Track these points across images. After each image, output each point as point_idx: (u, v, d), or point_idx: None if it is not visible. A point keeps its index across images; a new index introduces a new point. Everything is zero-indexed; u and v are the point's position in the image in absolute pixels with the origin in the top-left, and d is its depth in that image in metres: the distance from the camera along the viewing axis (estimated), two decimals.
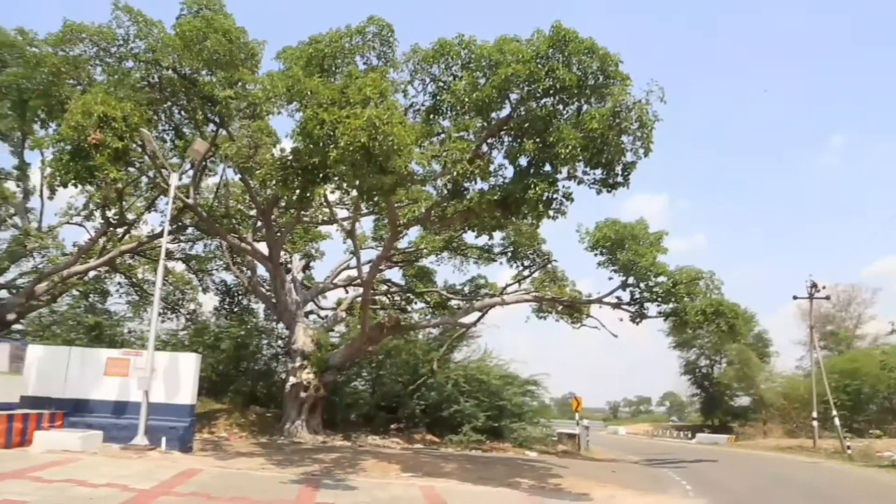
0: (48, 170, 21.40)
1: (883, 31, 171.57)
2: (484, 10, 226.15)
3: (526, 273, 29.00)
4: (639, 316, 25.94)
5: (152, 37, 19.13)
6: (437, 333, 31.18)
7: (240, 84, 18.86)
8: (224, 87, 18.62)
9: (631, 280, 25.40)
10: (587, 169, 16.34)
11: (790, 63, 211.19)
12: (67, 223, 27.02)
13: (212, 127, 21.05)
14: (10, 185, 25.21)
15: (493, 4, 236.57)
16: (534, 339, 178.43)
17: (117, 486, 10.30)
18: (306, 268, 31.77)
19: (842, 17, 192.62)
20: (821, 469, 25.95)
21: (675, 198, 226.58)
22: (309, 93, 15.05)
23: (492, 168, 16.78)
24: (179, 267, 31.87)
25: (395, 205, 19.97)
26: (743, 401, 58.35)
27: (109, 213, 24.38)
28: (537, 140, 15.89)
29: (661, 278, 24.94)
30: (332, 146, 13.36)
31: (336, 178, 15.83)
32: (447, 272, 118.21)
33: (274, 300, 27.11)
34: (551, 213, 16.53)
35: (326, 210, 27.39)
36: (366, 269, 24.87)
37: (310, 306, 30.36)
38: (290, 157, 15.76)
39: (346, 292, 31.58)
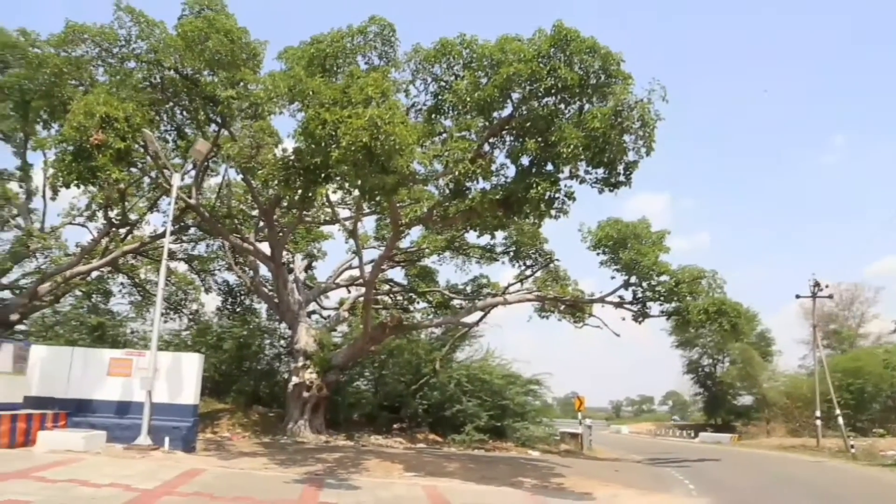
0: (51, 170, 21.50)
1: (884, 31, 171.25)
2: (485, 10, 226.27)
3: (528, 272, 28.98)
4: (641, 315, 25.92)
5: (154, 37, 19.16)
6: (439, 333, 31.20)
7: (242, 84, 18.87)
8: (226, 88, 18.64)
9: (633, 279, 25.37)
10: (589, 168, 16.32)
11: (792, 62, 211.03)
12: (70, 224, 27.09)
13: (214, 127, 21.07)
14: (13, 186, 25.28)
15: (494, 4, 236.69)
16: (536, 339, 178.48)
17: (121, 486, 10.31)
18: (308, 268, 31.78)
19: (843, 17, 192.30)
20: (824, 468, 25.91)
21: (677, 197, 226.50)
22: (311, 93, 15.04)
23: (494, 167, 16.78)
24: (182, 267, 31.93)
25: (397, 204, 19.98)
26: (746, 400, 58.25)
27: (112, 214, 24.44)
28: (539, 139, 15.88)
29: (664, 277, 24.91)
30: (333, 146, 13.36)
31: (338, 178, 15.83)
32: (449, 272, 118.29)
33: (276, 300, 27.13)
34: (553, 212, 16.53)
35: (328, 210, 27.41)
36: (368, 268, 24.87)
37: (312, 306, 30.38)
38: (292, 157, 15.76)
39: (349, 292, 31.60)
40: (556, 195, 16.11)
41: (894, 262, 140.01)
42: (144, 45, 19.32)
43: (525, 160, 16.61)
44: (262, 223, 25.51)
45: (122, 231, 26.10)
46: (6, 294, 26.66)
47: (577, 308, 27.33)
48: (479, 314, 28.25)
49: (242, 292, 32.59)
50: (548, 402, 35.87)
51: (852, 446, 31.56)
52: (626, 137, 15.45)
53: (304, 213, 25.05)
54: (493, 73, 15.68)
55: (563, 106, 16.12)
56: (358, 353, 25.74)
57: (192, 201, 21.32)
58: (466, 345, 31.24)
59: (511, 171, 17.04)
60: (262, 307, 32.89)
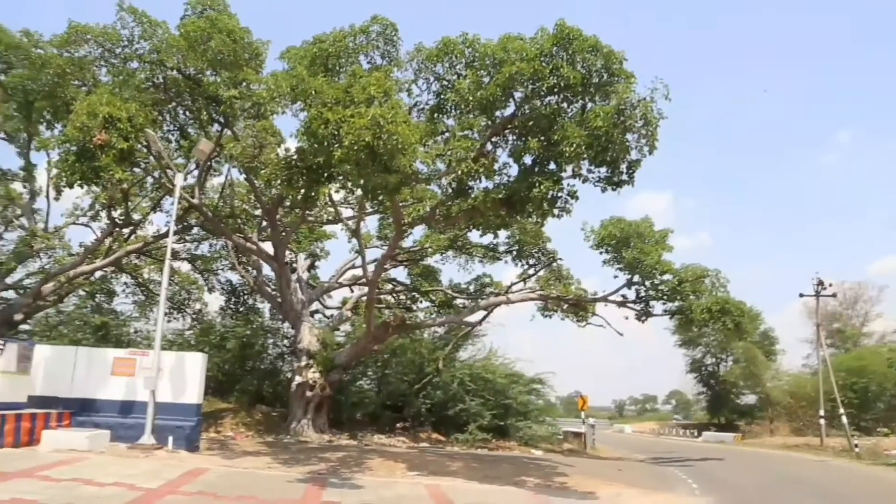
0: (54, 171, 21.53)
1: (883, 29, 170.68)
2: (488, 9, 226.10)
3: (531, 271, 28.96)
4: (644, 314, 25.90)
5: (157, 37, 19.18)
6: (442, 332, 31.20)
7: (244, 84, 18.89)
8: (228, 87, 18.65)
9: (636, 278, 25.35)
10: (592, 167, 16.32)
11: (793, 61, 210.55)
12: (73, 224, 27.13)
13: (216, 127, 21.09)
14: (17, 186, 25.35)
15: (497, 3, 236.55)
16: (539, 338, 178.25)
17: (125, 485, 10.34)
18: (311, 267, 31.78)
19: (844, 16, 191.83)
20: (828, 467, 25.86)
21: (679, 196, 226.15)
22: (313, 92, 15.05)
23: (496, 167, 16.78)
24: (185, 267, 31.97)
25: (400, 204, 19.97)
26: (749, 399, 58.17)
27: (115, 214, 24.48)
28: (542, 138, 15.87)
29: (667, 276, 24.89)
30: (336, 145, 13.37)
31: (341, 178, 15.85)
32: (452, 271, 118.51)
33: (279, 300, 27.15)
34: (556, 211, 16.54)
35: (331, 209, 27.41)
36: (371, 268, 24.89)
37: (315, 306, 30.41)
38: (295, 157, 15.78)
39: (352, 291, 31.61)
40: (559, 194, 16.10)
41: None
42: (147, 45, 19.34)
43: (528, 159, 16.60)
44: (265, 223, 25.54)
45: (126, 231, 26.15)
46: (10, 294, 26.73)
47: (580, 307, 27.31)
48: (481, 313, 28.24)
49: (245, 292, 32.61)
50: (551, 402, 35.92)
51: (856, 445, 31.49)
52: (628, 136, 15.44)
53: (307, 212, 25.07)
54: (496, 72, 15.67)
55: (565, 105, 16.11)
56: (361, 353, 25.75)
57: (195, 201, 21.35)
58: (469, 344, 31.24)
59: (514, 170, 17.06)
60: (265, 307, 32.91)
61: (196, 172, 22.36)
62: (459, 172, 15.81)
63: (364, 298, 26.99)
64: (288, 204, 23.17)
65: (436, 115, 17.42)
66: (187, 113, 21.42)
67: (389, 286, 32.28)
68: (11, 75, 20.88)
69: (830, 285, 40.63)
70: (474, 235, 25.24)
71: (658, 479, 19.27)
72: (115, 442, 15.28)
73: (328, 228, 30.89)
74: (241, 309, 32.83)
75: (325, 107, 13.95)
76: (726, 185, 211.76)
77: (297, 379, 24.06)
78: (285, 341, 31.08)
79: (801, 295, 41.88)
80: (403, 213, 20.25)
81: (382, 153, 13.01)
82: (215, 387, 27.39)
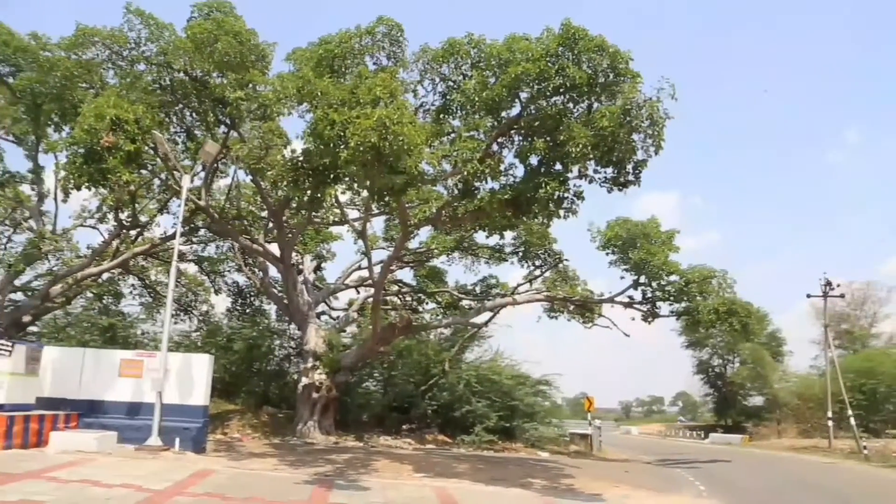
0: (62, 173, 21.60)
1: (893, 28, 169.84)
2: (493, 9, 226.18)
3: (537, 273, 28.96)
4: (651, 315, 25.85)
5: (164, 40, 19.27)
6: (448, 334, 31.20)
7: (250, 86, 18.93)
8: (235, 89, 18.70)
9: (643, 279, 25.31)
10: (598, 167, 16.29)
11: (801, 60, 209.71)
12: (81, 226, 27.24)
13: (223, 129, 21.16)
14: (25, 189, 25.45)
15: (502, 3, 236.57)
16: (545, 339, 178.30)
17: (132, 487, 10.35)
18: (318, 269, 31.87)
19: (852, 14, 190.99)
20: (837, 470, 25.70)
21: (686, 195, 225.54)
22: (319, 94, 15.09)
23: (502, 167, 16.74)
24: (192, 268, 32.07)
25: (406, 205, 19.96)
26: (756, 400, 57.88)
27: (122, 216, 24.57)
28: (548, 139, 15.85)
29: (674, 277, 24.85)
30: (342, 147, 13.39)
31: (347, 179, 15.89)
32: (458, 272, 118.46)
33: (286, 301, 27.20)
34: (562, 212, 16.50)
35: (337, 211, 27.46)
36: (377, 269, 24.90)
37: (321, 307, 30.45)
38: (301, 158, 15.82)
39: (358, 293, 31.67)
40: (565, 195, 16.08)
41: None
42: (154, 47, 19.44)
43: (534, 160, 16.57)
44: (271, 224, 25.59)
45: (133, 233, 26.24)
46: (19, 296, 26.87)
47: (586, 308, 27.29)
48: (488, 315, 28.27)
49: (252, 293, 32.71)
50: (557, 403, 35.84)
51: (865, 447, 31.27)
52: (634, 136, 15.40)
53: (313, 214, 25.12)
54: (502, 73, 15.66)
55: (571, 105, 16.08)
56: (367, 354, 25.77)
57: (202, 203, 21.41)
58: (475, 345, 31.23)
59: (520, 171, 17.03)
60: (271, 308, 33.02)
61: (203, 174, 22.44)
62: (465, 173, 15.80)
63: (370, 300, 26.99)
64: (294, 205, 23.24)
65: (441, 115, 17.42)
66: (194, 115, 21.50)
67: (396, 287, 32.32)
68: (20, 78, 20.99)
69: (838, 286, 40.42)
70: (480, 236, 25.26)
71: (665, 481, 19.19)
72: (122, 443, 15.30)
73: (334, 230, 30.97)
74: (247, 310, 32.92)
75: (331, 108, 13.98)
76: (733, 185, 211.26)
77: (304, 380, 24.10)
78: (292, 343, 31.18)
79: (809, 296, 41.72)
80: (409, 215, 20.25)
81: (388, 154, 13.02)
82: (222, 388, 27.48)
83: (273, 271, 28.48)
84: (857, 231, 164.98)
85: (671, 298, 25.31)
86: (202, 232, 27.69)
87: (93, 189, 19.48)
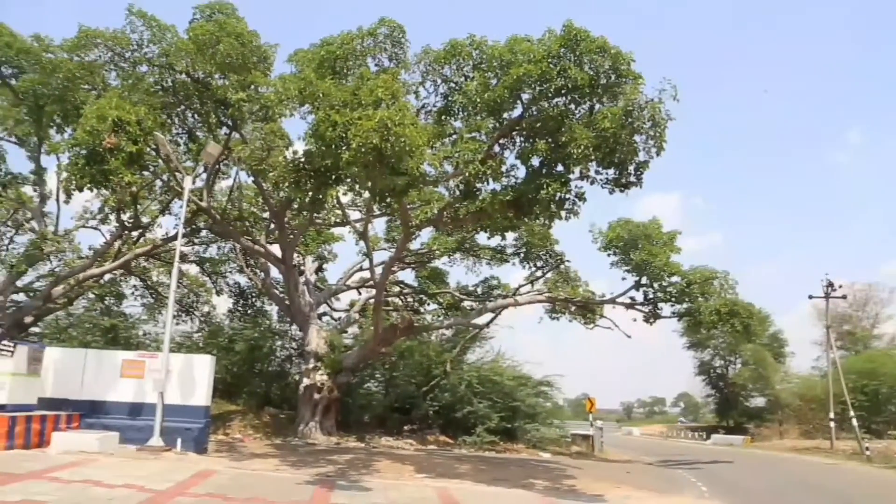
0: (64, 174, 21.67)
1: (889, 30, 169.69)
2: (495, 11, 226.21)
3: (539, 274, 28.95)
4: (652, 316, 25.84)
5: (166, 41, 19.31)
6: (450, 335, 31.19)
7: (252, 87, 18.96)
8: (237, 91, 18.72)
9: (644, 280, 25.29)
10: (600, 168, 16.29)
11: (803, 60, 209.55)
12: (83, 227, 27.28)
13: (225, 130, 21.18)
14: (28, 190, 25.50)
15: (503, 4, 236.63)
16: (547, 340, 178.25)
17: (134, 487, 10.37)
18: (319, 270, 31.88)
19: (854, 14, 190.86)
20: (839, 471, 25.67)
21: (688, 196, 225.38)
22: (321, 95, 15.10)
23: (504, 168, 16.75)
24: (193, 269, 32.09)
25: (408, 206, 19.99)
26: (758, 401, 57.86)
27: (124, 217, 24.60)
28: (549, 140, 15.85)
29: (675, 278, 24.84)
30: (344, 148, 13.41)
31: (348, 180, 15.90)
32: (460, 273, 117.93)
33: (287, 302, 27.23)
34: (564, 213, 16.50)
35: (339, 212, 27.48)
36: (378, 270, 24.91)
37: (323, 308, 30.48)
38: (303, 160, 15.83)
39: (359, 294, 31.68)
40: (567, 196, 16.07)
41: None
42: (156, 49, 19.48)
43: (535, 161, 16.57)
44: (272, 225, 25.63)
45: (135, 234, 26.27)
46: (21, 297, 26.90)
47: (587, 309, 27.28)
48: (489, 315, 28.26)
49: (253, 294, 32.73)
50: (559, 404, 35.78)
51: (867, 448, 31.22)
52: (636, 137, 15.41)
53: (315, 215, 25.15)
54: (503, 74, 15.67)
55: (573, 106, 16.09)
56: (369, 355, 25.78)
57: (204, 204, 21.44)
58: (477, 346, 31.20)
59: (521, 172, 17.03)
60: (273, 309, 33.04)
61: (205, 175, 22.48)
62: (467, 174, 15.81)
63: (372, 301, 27.02)
64: (296, 206, 23.27)
65: (443, 117, 17.43)
66: (196, 116, 21.53)
67: (397, 288, 32.33)
68: (22, 80, 21.03)
69: (840, 287, 40.34)
70: (482, 238, 25.26)
71: (667, 482, 19.19)
72: (124, 444, 15.33)
73: (336, 231, 31.01)
74: (249, 311, 32.95)
75: (333, 109, 13.99)
76: (735, 186, 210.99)
77: (305, 381, 24.11)
78: (293, 344, 31.19)
79: (811, 297, 41.66)
80: (411, 216, 20.27)
81: (390, 155, 13.03)
82: (223, 389, 27.51)
83: (275, 272, 28.51)
84: (860, 232, 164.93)
85: (673, 299, 25.30)
86: (204, 233, 27.73)
87: (95, 190, 19.51)
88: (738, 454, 35.94)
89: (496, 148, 16.80)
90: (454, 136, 17.18)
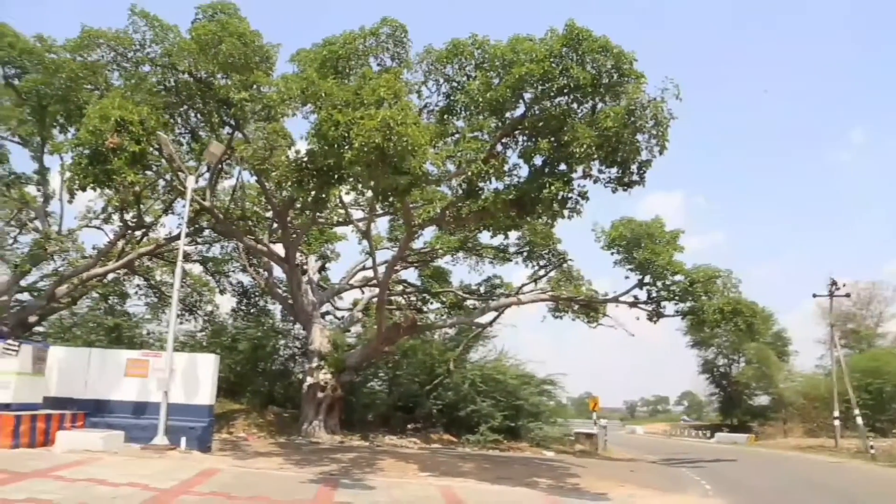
0: (67, 174, 21.70)
1: (891, 30, 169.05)
2: (497, 10, 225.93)
3: (542, 272, 28.92)
4: (656, 315, 25.81)
5: (168, 41, 19.32)
6: (453, 333, 31.20)
7: (255, 87, 18.97)
8: (239, 90, 18.73)
9: (647, 279, 25.26)
10: (602, 168, 16.29)
11: (806, 59, 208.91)
12: (87, 226, 27.38)
13: (227, 130, 21.19)
14: (31, 190, 25.60)
15: (506, 4, 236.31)
16: (550, 339, 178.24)
17: (138, 486, 10.41)
18: (322, 269, 31.89)
19: (856, 13, 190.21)
20: (844, 469, 25.63)
21: (690, 195, 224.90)
22: (323, 94, 15.11)
23: (506, 168, 16.78)
24: (197, 269, 32.18)
25: (410, 205, 19.99)
26: (762, 400, 57.64)
27: (127, 216, 24.67)
28: (552, 139, 15.85)
29: (678, 277, 24.80)
30: (346, 147, 13.42)
31: (351, 179, 15.91)
32: (462, 272, 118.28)
33: (290, 301, 27.26)
34: (566, 212, 16.52)
35: (342, 211, 27.49)
36: (381, 269, 24.92)
37: (326, 307, 30.51)
38: (306, 159, 15.85)
39: (362, 293, 31.70)
40: (570, 195, 16.08)
41: None
42: (159, 48, 19.48)
43: (538, 160, 16.59)
44: (275, 225, 25.64)
45: (138, 233, 26.35)
46: (25, 296, 26.99)
47: (591, 308, 27.26)
48: (492, 314, 28.25)
49: (257, 293, 32.76)
50: (562, 403, 35.83)
51: (872, 447, 31.17)
52: (639, 137, 15.41)
53: (318, 214, 25.17)
54: (506, 74, 15.67)
55: (575, 105, 16.08)
56: (372, 354, 25.80)
57: (207, 203, 21.47)
58: (480, 345, 31.22)
59: (524, 171, 17.05)
60: (276, 308, 33.06)
61: (207, 175, 22.51)
62: (469, 174, 15.82)
63: (375, 300, 27.04)
64: (298, 206, 23.29)
65: (446, 116, 17.44)
66: (198, 116, 21.55)
67: (400, 288, 32.32)
68: (25, 80, 21.10)
69: (844, 285, 40.23)
70: (485, 237, 25.29)
71: (671, 481, 19.17)
72: (128, 442, 15.37)
73: (339, 230, 30.99)
74: (252, 311, 32.99)
75: (336, 109, 14.00)
76: (737, 185, 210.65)
77: (309, 380, 24.14)
78: (297, 343, 31.23)
79: (815, 295, 41.58)
80: (414, 215, 20.27)
81: (392, 155, 13.04)
82: (227, 388, 27.53)
83: (278, 271, 28.56)
84: (863, 231, 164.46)
85: (676, 298, 25.27)
86: (207, 232, 27.78)
87: (98, 190, 19.57)
88: (741, 453, 35.89)
89: (499, 147, 16.80)
90: (457, 136, 17.19)
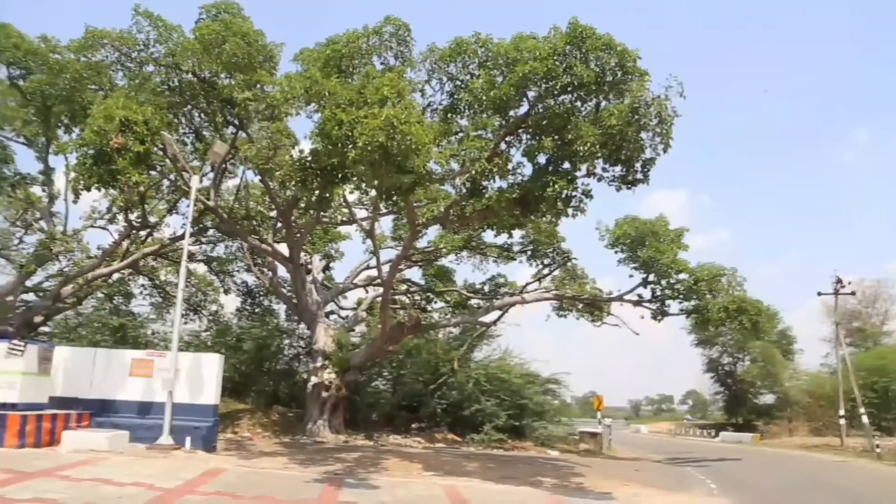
0: (72, 174, 21.74)
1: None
2: (500, 9, 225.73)
3: (546, 271, 28.90)
4: (660, 313, 25.77)
5: (172, 41, 19.34)
6: (457, 333, 31.20)
7: (258, 86, 18.99)
8: (243, 90, 18.76)
9: (652, 277, 25.24)
10: (606, 166, 16.28)
11: (811, 58, 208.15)
12: (91, 226, 27.39)
13: (231, 129, 21.22)
14: (36, 190, 25.63)
15: (509, 3, 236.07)
16: (554, 338, 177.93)
17: (144, 485, 10.43)
18: (326, 268, 31.92)
19: (862, 12, 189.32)
20: (850, 468, 25.54)
21: (695, 193, 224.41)
22: (327, 94, 15.12)
23: (510, 166, 16.76)
24: (201, 269, 32.18)
25: (414, 204, 19.98)
26: (767, 399, 57.41)
27: (132, 216, 24.70)
28: (556, 137, 15.83)
29: (683, 275, 24.77)
30: (350, 146, 13.42)
31: (355, 179, 15.91)
32: (467, 271, 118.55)
33: (295, 301, 27.29)
34: (570, 210, 16.51)
35: (346, 210, 27.51)
36: (385, 268, 24.93)
37: (330, 306, 30.51)
38: (309, 158, 15.86)
39: (367, 292, 31.68)
40: (574, 193, 16.07)
41: None
42: (162, 48, 19.51)
43: (542, 158, 16.56)
44: (279, 224, 25.66)
45: (143, 233, 26.38)
46: (30, 296, 27.06)
47: (595, 307, 27.23)
48: (496, 313, 28.22)
49: (261, 293, 32.81)
50: (566, 402, 35.81)
51: (877, 446, 31.05)
52: (643, 134, 15.38)
53: (322, 213, 25.18)
54: (509, 72, 15.65)
55: (579, 103, 16.06)
56: (376, 353, 25.80)
57: (211, 203, 21.50)
58: (484, 344, 31.17)
59: (528, 170, 17.03)
60: (280, 308, 33.11)
61: (211, 175, 22.53)
62: (473, 172, 15.80)
63: (379, 299, 27.01)
64: (303, 205, 23.31)
65: (449, 115, 17.43)
66: (202, 115, 21.58)
67: (404, 287, 32.33)
68: (30, 80, 21.14)
69: (849, 283, 40.13)
70: (488, 235, 25.24)
71: (675, 480, 19.13)
72: (133, 442, 15.41)
73: (343, 229, 31.03)
74: (256, 310, 33.03)
75: (339, 108, 14.00)
76: (741, 184, 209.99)
77: (313, 380, 24.16)
78: (301, 342, 31.25)
79: (820, 293, 41.50)
80: (417, 214, 20.26)
81: (396, 154, 13.03)
82: (232, 388, 27.58)
83: (282, 271, 28.61)
84: (867, 229, 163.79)
85: (680, 296, 25.23)
86: (211, 232, 27.80)
87: (103, 190, 19.60)
88: (746, 452, 35.79)
89: (502, 146, 16.79)
90: (460, 134, 17.19)
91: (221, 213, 22.37)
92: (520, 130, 17.00)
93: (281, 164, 17.53)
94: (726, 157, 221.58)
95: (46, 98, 20.52)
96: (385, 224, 31.50)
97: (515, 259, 29.30)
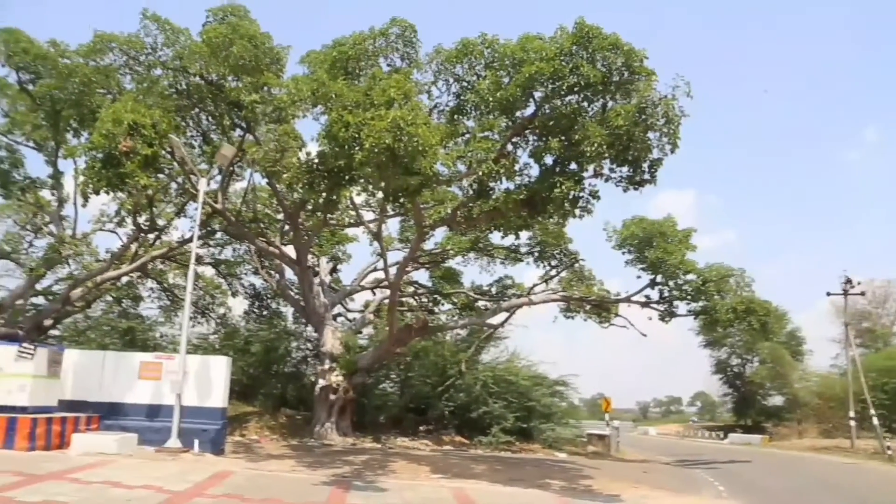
0: (81, 178, 21.83)
1: None
2: (506, 10, 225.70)
3: (553, 273, 28.83)
4: (668, 314, 25.65)
5: (179, 44, 19.44)
6: (464, 335, 31.13)
7: (265, 89, 19.04)
8: (250, 93, 18.81)
9: (659, 278, 25.12)
10: (613, 166, 16.19)
11: (818, 57, 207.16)
12: (100, 230, 27.52)
13: (239, 132, 21.29)
14: (45, 194, 25.79)
15: (515, 3, 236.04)
16: (562, 340, 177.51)
17: (153, 488, 10.45)
18: (334, 270, 31.95)
19: (871, 11, 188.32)
20: (860, 470, 25.33)
21: (702, 194, 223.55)
22: (333, 96, 15.12)
23: (517, 167, 16.70)
24: (209, 271, 32.33)
25: (421, 206, 19.97)
26: (776, 400, 57.09)
27: (140, 220, 24.80)
28: (562, 138, 15.77)
29: (691, 276, 24.64)
30: (357, 148, 13.42)
31: (362, 181, 15.91)
32: (474, 273, 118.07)
33: (302, 303, 27.31)
34: (578, 211, 16.45)
35: (353, 212, 27.51)
36: (393, 271, 24.91)
37: (338, 309, 30.53)
38: (316, 161, 15.86)
39: (374, 294, 31.72)
40: (581, 194, 16.00)
41: None
42: (170, 52, 19.61)
43: (549, 159, 16.51)
44: (287, 227, 25.72)
45: (151, 236, 26.48)
46: (40, 300, 27.22)
47: (602, 308, 27.14)
48: (504, 315, 28.17)
49: (269, 296, 32.90)
50: (574, 404, 35.66)
51: (889, 448, 30.80)
52: (650, 135, 15.30)
53: (329, 216, 25.18)
54: (515, 73, 15.61)
55: (586, 104, 15.99)
56: (384, 356, 25.79)
57: (219, 206, 21.57)
58: (492, 346, 31.12)
59: (535, 171, 16.97)
60: (288, 310, 33.18)
61: (219, 177, 22.63)
62: (480, 174, 15.77)
63: (386, 301, 27.04)
64: (310, 207, 23.32)
65: (456, 116, 17.39)
66: (210, 118, 21.67)
67: (411, 289, 32.32)
68: (39, 85, 21.27)
69: (859, 283, 39.86)
70: (496, 237, 25.17)
71: (684, 482, 19.04)
72: (142, 445, 15.47)
73: (350, 232, 31.06)
74: (264, 313, 33.12)
75: (346, 110, 14.01)
76: (749, 184, 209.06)
77: (321, 382, 24.18)
78: (308, 345, 31.28)
79: (829, 294, 41.21)
80: (424, 216, 20.26)
81: (403, 155, 13.02)
82: (240, 390, 27.65)
83: (289, 273, 28.62)
84: (877, 228, 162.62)
85: (688, 297, 25.10)
86: (219, 235, 27.92)
87: (111, 193, 19.68)
88: (755, 454, 35.60)
89: (509, 147, 16.75)
90: (467, 136, 17.15)
91: (229, 216, 22.43)
92: (526, 131, 16.96)
93: (288, 167, 17.53)
94: (733, 158, 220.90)
95: (56, 102, 20.65)
96: (392, 226, 31.60)
97: (523, 260, 29.26)
